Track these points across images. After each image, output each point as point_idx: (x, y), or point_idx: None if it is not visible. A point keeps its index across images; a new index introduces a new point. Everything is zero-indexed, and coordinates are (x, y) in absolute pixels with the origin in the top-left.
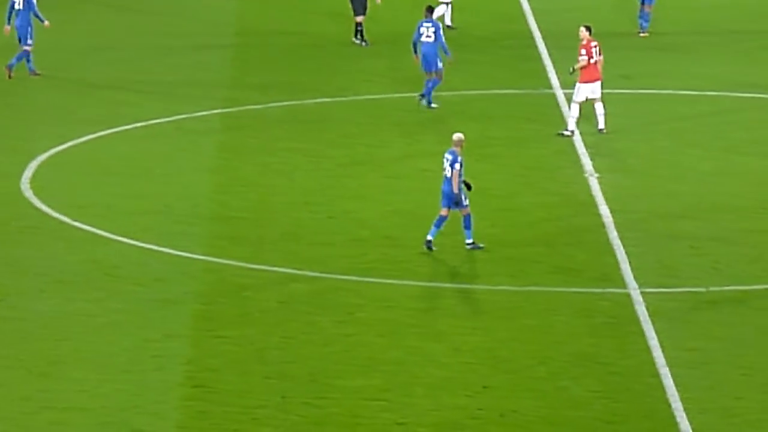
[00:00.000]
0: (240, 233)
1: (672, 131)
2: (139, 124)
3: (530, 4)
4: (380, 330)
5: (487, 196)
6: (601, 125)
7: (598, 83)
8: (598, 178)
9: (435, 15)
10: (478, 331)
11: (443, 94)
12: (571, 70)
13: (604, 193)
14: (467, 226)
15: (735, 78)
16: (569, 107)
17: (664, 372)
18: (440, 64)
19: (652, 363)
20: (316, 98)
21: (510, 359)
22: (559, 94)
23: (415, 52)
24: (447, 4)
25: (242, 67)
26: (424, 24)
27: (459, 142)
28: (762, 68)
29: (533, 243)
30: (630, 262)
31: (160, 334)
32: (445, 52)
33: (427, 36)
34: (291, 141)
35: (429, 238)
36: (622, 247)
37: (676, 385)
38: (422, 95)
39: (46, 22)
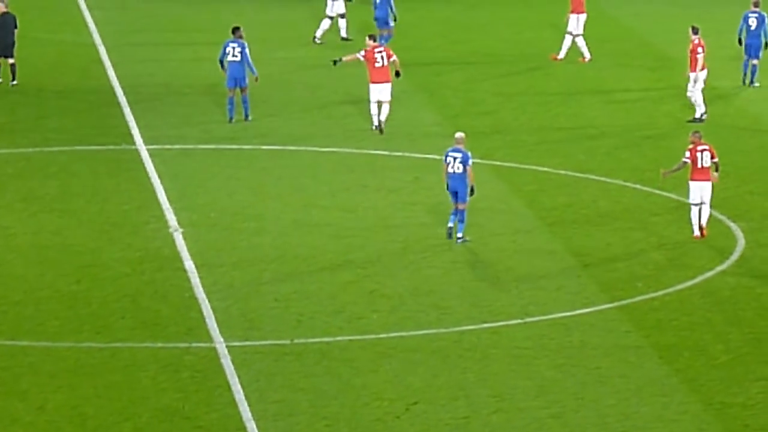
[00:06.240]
0: None
1: (253, 185)
2: None
3: (110, 57)
4: None
5: (69, 252)
6: (381, 118)
7: (387, 85)
8: (182, 232)
9: (321, 30)
10: (62, 388)
11: (25, 150)
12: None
13: (189, 248)
14: (461, 220)
15: (312, 132)
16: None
17: (250, 426)
18: (246, 81)
19: (238, 416)
20: None
21: (95, 416)
22: (142, 150)
23: (223, 68)
24: (342, 16)
25: None
26: (231, 44)
27: (463, 140)
28: (335, 122)
29: (117, 299)
30: (215, 316)
31: None
32: (252, 71)
33: (234, 55)
34: None
35: (450, 225)
36: (207, 301)
37: None
38: (246, 116)
39: None
